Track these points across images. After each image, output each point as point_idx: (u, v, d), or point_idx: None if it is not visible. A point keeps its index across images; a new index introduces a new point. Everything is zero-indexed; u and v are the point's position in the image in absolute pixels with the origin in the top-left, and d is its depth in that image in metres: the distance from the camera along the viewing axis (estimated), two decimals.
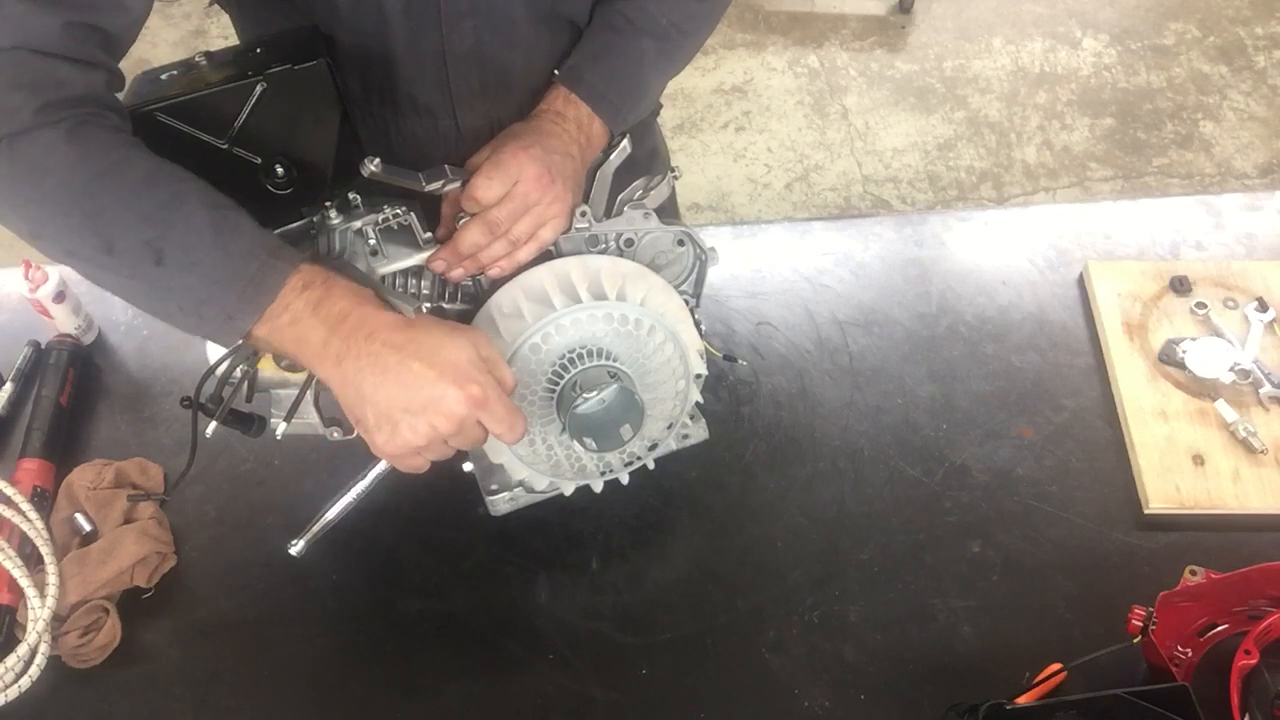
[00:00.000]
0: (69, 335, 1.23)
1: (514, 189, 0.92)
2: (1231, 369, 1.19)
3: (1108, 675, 0.99)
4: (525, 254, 0.94)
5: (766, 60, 3.17)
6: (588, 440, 0.91)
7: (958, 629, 1.06)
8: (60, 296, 1.21)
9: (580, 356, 0.91)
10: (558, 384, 0.91)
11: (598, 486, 1.05)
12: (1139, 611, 0.98)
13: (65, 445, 1.16)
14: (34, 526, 1.05)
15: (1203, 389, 1.20)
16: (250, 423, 0.94)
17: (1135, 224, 1.38)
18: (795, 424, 1.20)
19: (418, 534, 1.12)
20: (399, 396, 0.79)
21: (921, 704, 1.01)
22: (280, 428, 0.91)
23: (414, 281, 0.97)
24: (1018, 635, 1.05)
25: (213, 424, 0.90)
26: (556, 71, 1.05)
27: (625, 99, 1.05)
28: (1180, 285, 1.28)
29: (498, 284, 0.95)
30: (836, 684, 1.02)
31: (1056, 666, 1.00)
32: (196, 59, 0.90)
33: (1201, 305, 1.26)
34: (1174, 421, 1.18)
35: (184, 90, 0.85)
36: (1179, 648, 1.01)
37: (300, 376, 0.92)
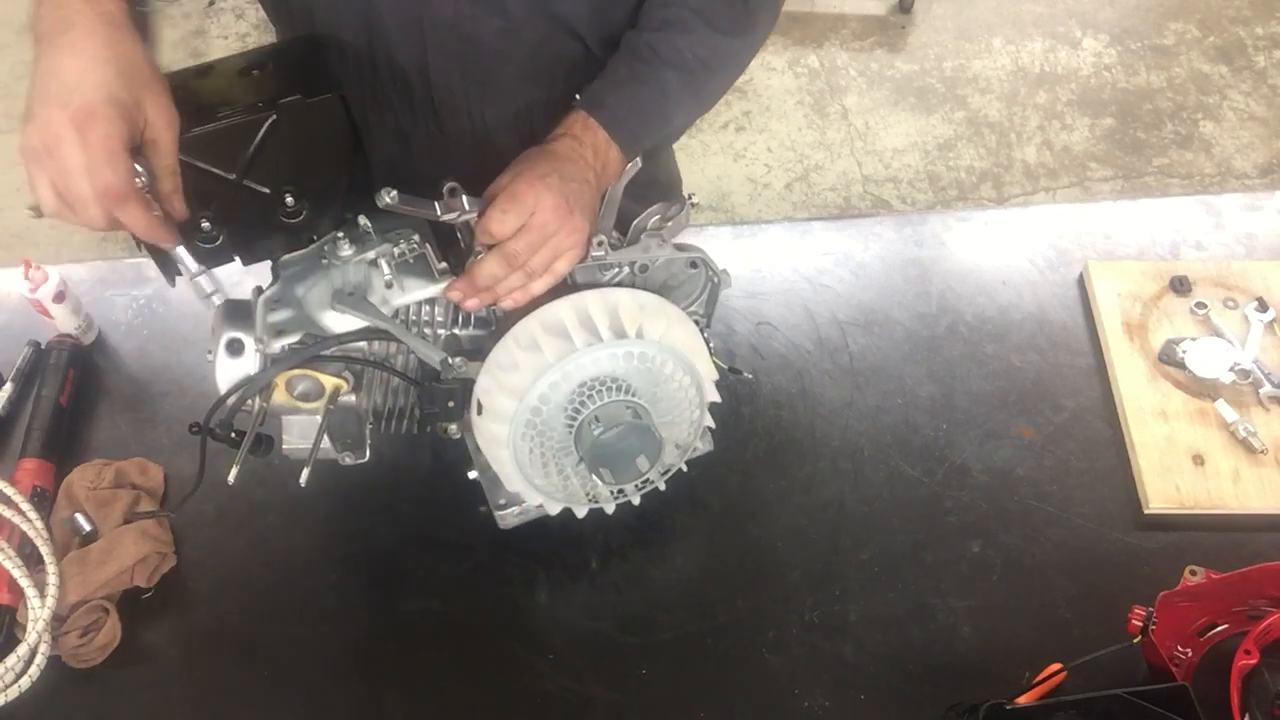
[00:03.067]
0: (69, 335, 1.23)
1: (531, 220, 0.90)
2: (1231, 369, 1.19)
3: (1108, 675, 0.99)
4: (541, 286, 0.93)
5: (766, 60, 3.17)
6: (604, 472, 0.91)
7: (958, 629, 1.06)
8: (60, 296, 1.21)
9: (599, 391, 0.90)
10: (576, 418, 0.91)
11: (610, 509, 1.04)
12: (1139, 611, 0.98)
13: (65, 445, 1.16)
14: (34, 526, 1.05)
15: (1203, 389, 1.20)
16: (259, 444, 0.93)
17: (1135, 224, 1.38)
18: (795, 424, 1.20)
19: (418, 534, 1.12)
20: (33, 90, 0.75)
21: (921, 704, 1.01)
22: (303, 475, 0.90)
23: (428, 309, 0.95)
24: (1018, 635, 1.05)
25: (234, 471, 0.89)
26: (578, 96, 1.03)
27: (645, 128, 1.02)
28: (1180, 285, 1.28)
29: (512, 312, 0.94)
30: (836, 684, 1.02)
31: (1056, 666, 1.00)
32: (192, 75, 0.86)
33: (1201, 305, 1.26)
34: (1174, 421, 1.18)
35: (190, 123, 0.82)
36: (1179, 648, 1.01)
37: (314, 405, 0.91)
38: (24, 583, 1.01)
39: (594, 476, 0.93)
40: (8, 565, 1.02)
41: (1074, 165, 2.91)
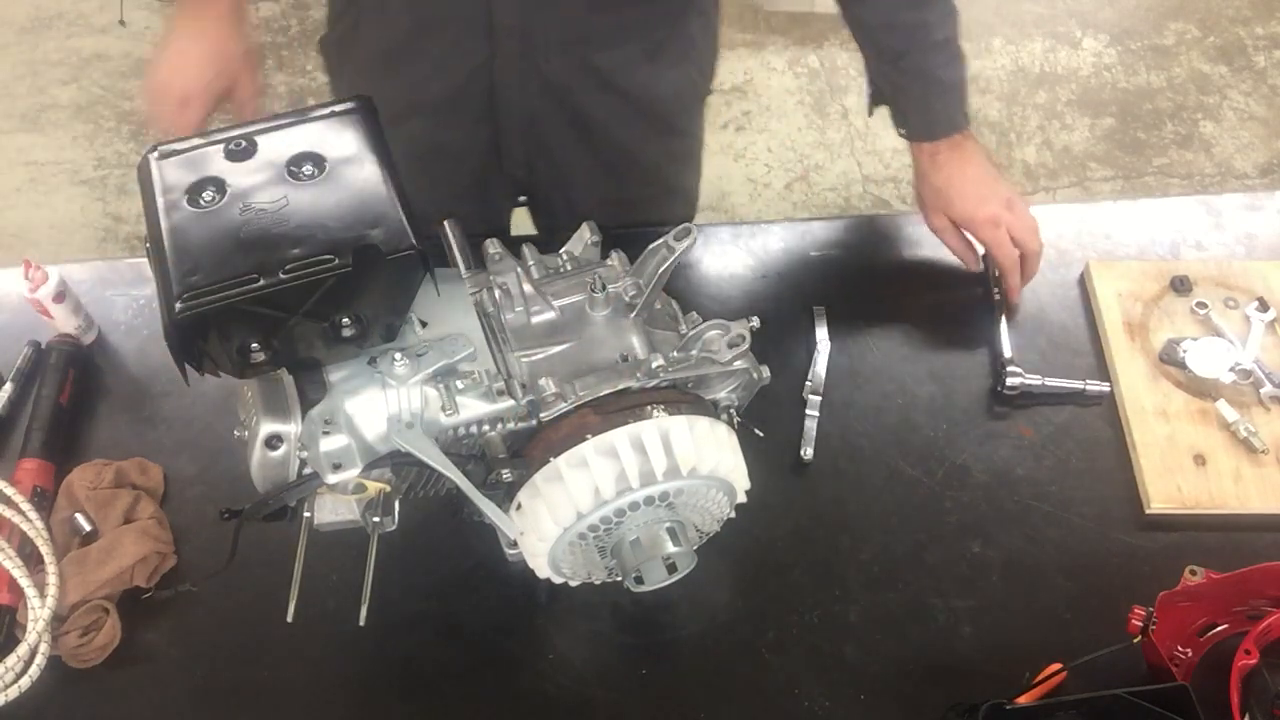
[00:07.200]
0: (69, 335, 1.23)
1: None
2: (1232, 369, 1.19)
3: (1108, 675, 0.98)
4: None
5: (766, 60, 3.17)
6: (635, 577, 0.92)
7: (958, 629, 1.06)
8: (60, 296, 1.21)
9: (640, 509, 0.90)
10: (615, 532, 0.91)
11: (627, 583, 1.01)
12: (1139, 611, 0.98)
13: (65, 445, 1.16)
14: (34, 526, 1.05)
15: (1203, 389, 1.20)
16: (283, 514, 0.92)
17: (1135, 224, 1.38)
18: (795, 424, 1.20)
19: (417, 534, 1.11)
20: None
21: (921, 704, 1.01)
22: (361, 614, 0.91)
23: (480, 427, 0.91)
24: (1018, 635, 1.05)
25: (291, 609, 0.89)
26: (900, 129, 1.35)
27: (962, 101, 1.28)
28: (1181, 285, 1.28)
29: (550, 420, 0.90)
30: (836, 684, 1.02)
31: (1056, 666, 0.99)
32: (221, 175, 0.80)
33: (1202, 305, 1.26)
34: (1175, 421, 1.18)
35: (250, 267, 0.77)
36: (1179, 648, 1.01)
37: (352, 498, 0.89)
38: (24, 583, 1.01)
39: (622, 579, 0.94)
40: (8, 565, 1.02)
41: (1074, 165, 2.91)
